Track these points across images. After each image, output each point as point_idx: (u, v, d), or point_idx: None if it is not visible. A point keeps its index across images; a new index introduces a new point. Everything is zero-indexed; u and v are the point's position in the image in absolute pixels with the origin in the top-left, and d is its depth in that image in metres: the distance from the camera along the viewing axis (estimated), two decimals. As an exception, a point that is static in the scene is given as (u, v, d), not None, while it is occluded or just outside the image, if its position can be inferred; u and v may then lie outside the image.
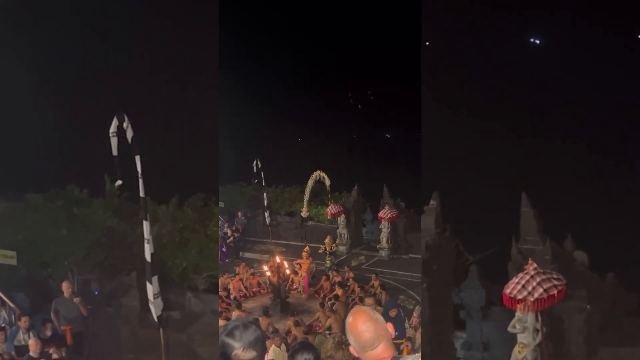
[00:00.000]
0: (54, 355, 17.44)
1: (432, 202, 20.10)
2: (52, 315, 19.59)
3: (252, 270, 30.14)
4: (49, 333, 18.55)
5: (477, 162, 32.35)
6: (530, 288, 15.82)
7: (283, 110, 57.85)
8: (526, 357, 16.11)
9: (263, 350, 4.96)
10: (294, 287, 29.07)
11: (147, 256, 17.78)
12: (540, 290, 15.72)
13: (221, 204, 38.92)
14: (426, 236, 19.53)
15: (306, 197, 38.71)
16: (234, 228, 38.20)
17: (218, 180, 30.52)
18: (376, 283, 26.66)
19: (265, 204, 38.28)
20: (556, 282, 15.95)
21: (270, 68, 60.09)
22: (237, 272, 30.36)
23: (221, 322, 21.63)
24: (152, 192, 20.82)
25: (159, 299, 18.70)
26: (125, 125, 17.67)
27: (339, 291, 26.18)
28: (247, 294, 28.49)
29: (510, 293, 16.04)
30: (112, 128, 17.42)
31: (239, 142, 45.96)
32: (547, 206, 20.48)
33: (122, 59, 37.32)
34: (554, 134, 30.83)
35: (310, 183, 38.43)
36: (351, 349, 5.65)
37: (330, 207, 35.94)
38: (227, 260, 34.87)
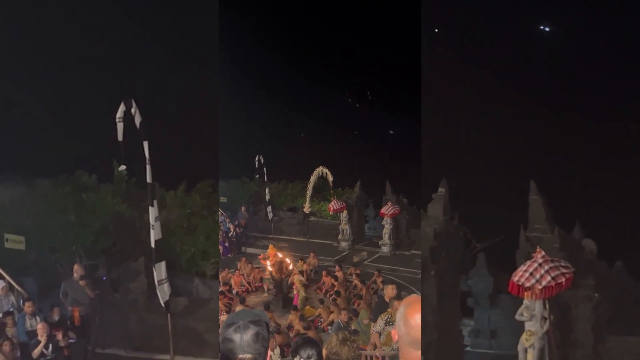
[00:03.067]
0: (61, 343, 17.45)
1: (440, 189, 20.04)
2: (61, 297, 19.62)
3: (255, 266, 30.09)
4: (56, 317, 18.57)
5: (486, 150, 32.27)
6: (538, 276, 15.79)
7: (286, 106, 57.85)
8: (533, 345, 16.10)
9: (265, 348, 4.90)
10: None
11: (153, 242, 17.81)
12: (548, 278, 15.69)
13: (224, 200, 39.07)
14: (434, 224, 19.46)
15: (308, 193, 38.79)
16: (236, 223, 38.27)
17: (218, 166, 30.44)
18: (379, 279, 26.64)
19: (268, 199, 38.36)
20: (564, 270, 15.92)
21: (273, 64, 60.14)
22: (238, 267, 30.37)
23: (224, 318, 21.67)
24: (160, 178, 20.85)
25: (166, 285, 18.74)
26: (133, 110, 17.65)
27: (336, 285, 26.17)
28: (249, 289, 28.44)
29: (518, 281, 16.02)
30: (119, 114, 17.41)
31: (241, 138, 46.08)
32: (555, 194, 20.42)
33: (130, 45, 37.31)
34: (562, 122, 30.73)
35: (312, 179, 38.51)
36: (393, 333, 5.60)
37: (332, 203, 36.13)
38: (229, 256, 34.95)
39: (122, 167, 27.91)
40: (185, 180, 28.75)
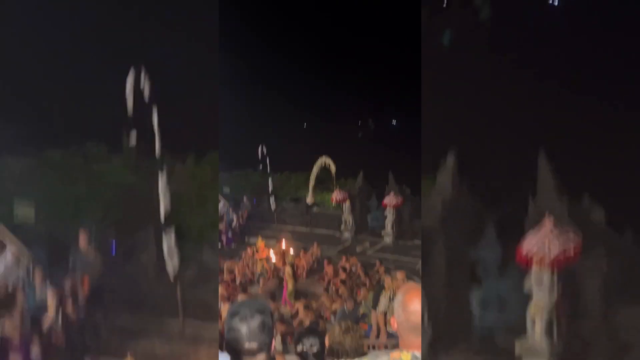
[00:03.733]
0: (70, 312, 17.53)
1: (449, 158, 20.02)
2: (71, 268, 19.67)
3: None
4: (66, 287, 18.63)
5: (494, 119, 32.14)
6: (547, 246, 15.78)
7: (288, 97, 57.71)
8: (542, 316, 16.10)
9: (270, 338, 4.92)
10: (299, 272, 29.13)
11: (162, 213, 17.86)
12: (557, 248, 15.68)
13: (227, 190, 39.20)
14: (443, 194, 19.46)
15: (311, 183, 38.80)
16: (239, 213, 38.39)
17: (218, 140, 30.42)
18: (381, 269, 26.66)
19: (271, 190, 38.44)
20: (573, 240, 15.91)
21: (274, 54, 59.97)
22: (242, 256, 30.43)
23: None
24: (170, 149, 20.86)
25: (176, 256, 18.79)
26: (142, 82, 17.65)
27: (342, 275, 26.20)
28: (253, 279, 28.49)
29: (526, 251, 16.01)
30: (129, 85, 17.40)
31: (244, 128, 46.11)
32: (564, 163, 20.36)
33: (139, 14, 37.20)
34: (571, 90, 30.55)
35: (315, 169, 38.50)
36: (393, 320, 5.60)
37: (335, 193, 36.19)
38: (232, 246, 35.05)
39: (132, 137, 27.95)
40: (195, 152, 28.77)
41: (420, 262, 21.92)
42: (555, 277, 16.13)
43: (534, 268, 16.05)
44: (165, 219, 18.52)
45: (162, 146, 18.23)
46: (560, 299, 16.25)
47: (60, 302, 17.31)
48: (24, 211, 21.91)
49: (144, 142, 23.94)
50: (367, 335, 17.55)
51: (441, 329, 18.49)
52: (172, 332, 20.06)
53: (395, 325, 5.51)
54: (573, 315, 16.98)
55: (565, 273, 16.53)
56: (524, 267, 16.59)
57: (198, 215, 25.33)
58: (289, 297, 25.27)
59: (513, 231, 20.10)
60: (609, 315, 17.45)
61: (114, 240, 24.46)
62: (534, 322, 16.26)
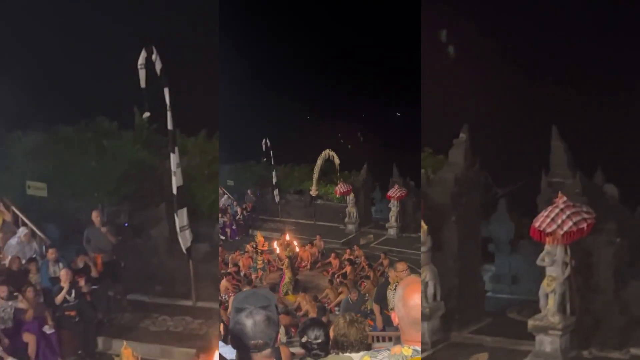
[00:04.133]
0: (83, 289, 17.58)
1: (461, 135, 19.94)
2: (85, 245, 19.69)
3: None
4: (80, 264, 18.67)
5: (507, 95, 32.03)
6: (559, 221, 15.76)
7: (292, 89, 57.51)
8: (555, 290, 16.09)
9: (276, 332, 4.94)
10: (303, 264, 29.15)
11: (174, 188, 17.87)
12: (570, 223, 15.66)
13: (231, 183, 39.24)
14: (455, 170, 19.40)
15: (315, 175, 38.78)
16: (243, 206, 38.47)
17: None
18: (385, 262, 26.66)
19: (274, 182, 38.46)
20: (586, 216, 15.89)
21: (278, 46, 59.73)
22: (246, 249, 30.45)
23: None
24: (181, 125, 20.86)
25: (188, 231, 18.83)
26: (153, 57, 17.63)
27: (347, 268, 26.19)
28: (266, 269, 28.49)
29: (539, 226, 16.00)
30: (141, 60, 17.39)
31: (247, 121, 46.05)
32: (577, 139, 20.28)
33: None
34: (583, 66, 30.42)
35: (319, 162, 38.49)
36: (393, 316, 5.58)
37: (339, 185, 36.33)
38: (237, 238, 35.12)
39: (146, 114, 27.92)
40: (206, 127, 28.77)
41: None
42: (568, 252, 16.12)
43: (547, 243, 16.03)
44: (177, 194, 18.53)
45: (173, 122, 18.21)
46: (572, 273, 16.24)
47: (73, 279, 17.35)
48: (37, 186, 21.93)
49: (155, 118, 23.97)
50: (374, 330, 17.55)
51: (453, 304, 18.51)
52: (184, 306, 20.13)
53: (397, 320, 5.49)
54: (585, 289, 16.97)
55: (578, 248, 16.52)
56: (537, 243, 16.57)
57: (209, 190, 25.37)
58: (285, 287, 25.25)
59: (525, 207, 20.10)
60: (621, 290, 17.43)
61: (126, 216, 24.52)
62: (546, 297, 16.24)
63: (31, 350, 16.00)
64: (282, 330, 18.41)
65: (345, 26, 59.99)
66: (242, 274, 27.29)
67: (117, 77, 28.09)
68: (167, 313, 19.72)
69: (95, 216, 19.77)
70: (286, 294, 25.03)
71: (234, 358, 5.04)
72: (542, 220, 15.97)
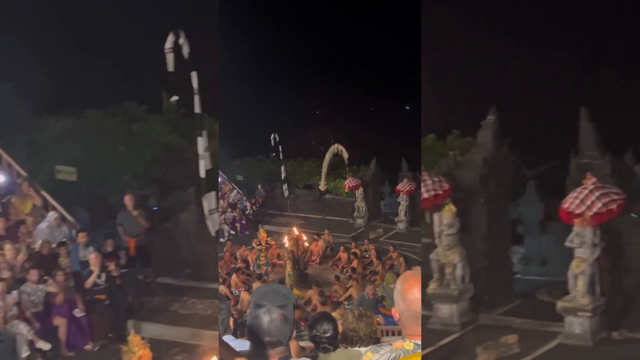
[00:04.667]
0: (113, 273, 17.65)
1: (489, 116, 19.84)
2: (119, 229, 19.77)
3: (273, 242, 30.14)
4: (110, 248, 18.75)
5: (536, 76, 31.86)
6: (588, 202, 15.70)
7: (300, 84, 57.38)
8: (584, 272, 16.02)
9: (291, 330, 4.99)
10: (312, 258, 29.15)
11: (202, 172, 17.90)
12: (599, 204, 15.60)
13: (240, 178, 39.28)
14: (483, 151, 19.31)
15: (324, 170, 38.75)
16: (253, 201, 38.58)
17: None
18: (394, 255, 26.60)
19: (283, 177, 38.46)
20: (615, 197, 15.82)
21: (286, 41, 59.60)
22: (253, 245, 30.45)
23: (245, 296, 21.73)
24: (209, 108, 20.87)
25: (216, 215, 18.85)
26: (181, 41, 17.64)
27: (354, 262, 26.13)
28: (269, 264, 28.45)
29: (568, 207, 15.93)
30: (168, 44, 17.40)
31: (256, 116, 46.05)
32: (606, 120, 20.16)
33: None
34: (612, 46, 30.24)
35: (328, 156, 38.45)
36: (394, 311, 5.57)
37: (348, 180, 36.25)
38: (246, 233, 35.18)
39: (175, 98, 28.00)
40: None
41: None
42: (598, 234, 16.04)
43: (576, 224, 15.96)
44: (205, 177, 18.55)
45: (201, 105, 18.22)
46: (602, 255, 16.17)
47: (103, 263, 17.44)
48: (66, 170, 22.03)
49: (183, 101, 24.01)
50: (389, 324, 17.51)
51: (482, 286, 18.47)
52: (213, 289, 20.21)
53: (397, 316, 5.49)
54: (615, 270, 16.88)
55: (607, 229, 16.44)
56: (566, 224, 16.50)
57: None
58: (287, 281, 25.17)
59: (554, 188, 20.01)
60: (651, 271, 17.34)
61: (155, 200, 24.60)
62: (576, 278, 16.18)
63: (62, 333, 16.14)
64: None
65: (353, 20, 59.88)
66: (251, 268, 27.33)
67: (146, 61, 28.18)
68: (197, 296, 19.80)
69: (127, 200, 19.84)
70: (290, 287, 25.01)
71: (247, 349, 5.09)
72: (571, 202, 15.90)
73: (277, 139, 40.48)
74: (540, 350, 15.97)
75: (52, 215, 19.43)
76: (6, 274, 16.19)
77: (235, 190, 40.72)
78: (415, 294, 5.30)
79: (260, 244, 29.23)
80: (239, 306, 20.93)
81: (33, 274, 16.22)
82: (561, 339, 16.21)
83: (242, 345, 5.17)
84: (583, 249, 16.08)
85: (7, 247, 17.16)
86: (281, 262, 28.04)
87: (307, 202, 40.27)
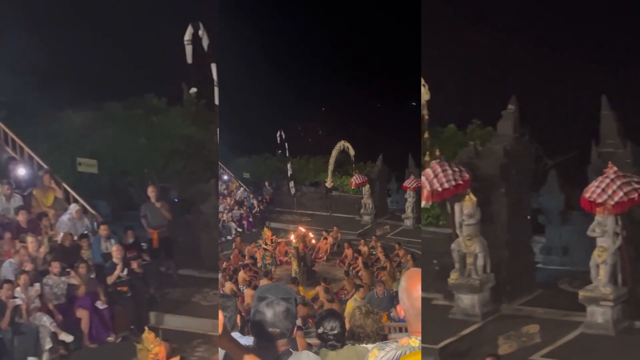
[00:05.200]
0: (135, 265, 17.69)
1: (509, 106, 19.77)
2: (142, 220, 19.82)
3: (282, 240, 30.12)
4: (130, 240, 18.82)
5: (556, 65, 31.74)
6: (610, 191, 15.65)
7: (306, 81, 57.17)
8: (606, 261, 15.97)
9: (293, 324, 5.05)
10: (320, 255, 29.12)
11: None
12: (621, 193, 15.54)
13: (247, 175, 39.32)
14: (503, 141, 19.25)
15: (330, 167, 38.69)
16: (259, 199, 38.65)
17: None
18: (401, 253, 26.54)
19: (290, 174, 38.45)
20: (636, 186, 15.75)
21: (293, 37, 59.38)
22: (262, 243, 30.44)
23: (249, 292, 21.72)
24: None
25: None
26: (200, 33, 17.71)
27: (359, 260, 26.08)
28: (276, 262, 28.43)
29: (589, 197, 15.89)
30: (187, 36, 17.48)
31: (262, 113, 46.00)
32: (627, 108, 20.07)
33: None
34: (633, 35, 30.07)
35: (334, 153, 38.38)
36: (399, 308, 5.58)
37: (354, 177, 36.19)
38: (254, 230, 35.18)
39: (193, 90, 28.02)
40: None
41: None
42: (619, 223, 15.99)
43: (598, 214, 15.92)
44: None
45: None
46: (624, 244, 16.12)
47: (125, 255, 17.49)
48: (87, 163, 22.12)
49: (203, 93, 24.06)
50: (401, 320, 17.47)
51: (504, 276, 18.44)
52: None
53: (402, 313, 5.48)
54: (637, 260, 16.83)
55: (629, 218, 16.39)
56: (588, 213, 16.47)
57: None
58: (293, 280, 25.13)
59: (576, 178, 19.95)
60: (673, 261, 17.26)
61: (175, 192, 24.67)
62: (597, 267, 16.13)
63: (84, 325, 16.19)
64: (298, 321, 18.43)
65: (360, 16, 59.57)
66: (259, 265, 27.35)
67: (166, 54, 28.24)
68: (217, 287, 19.83)
69: (150, 191, 19.89)
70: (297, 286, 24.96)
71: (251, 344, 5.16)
72: (592, 191, 15.85)
73: (283, 136, 40.48)
74: (562, 340, 15.94)
75: (73, 207, 19.48)
76: (29, 267, 16.25)
77: (242, 188, 40.80)
78: (419, 290, 5.32)
79: (266, 243, 29.27)
80: (245, 304, 20.88)
81: (55, 267, 16.28)
82: (583, 328, 16.18)
83: (249, 342, 5.23)
84: (605, 238, 16.04)
85: (30, 239, 17.22)
86: (287, 259, 28.11)
87: (313, 199, 40.23)
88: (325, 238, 30.04)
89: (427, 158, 19.26)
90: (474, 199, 17.95)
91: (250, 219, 36.11)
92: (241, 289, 22.94)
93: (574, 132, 24.53)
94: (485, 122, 29.65)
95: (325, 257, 29.14)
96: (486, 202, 18.49)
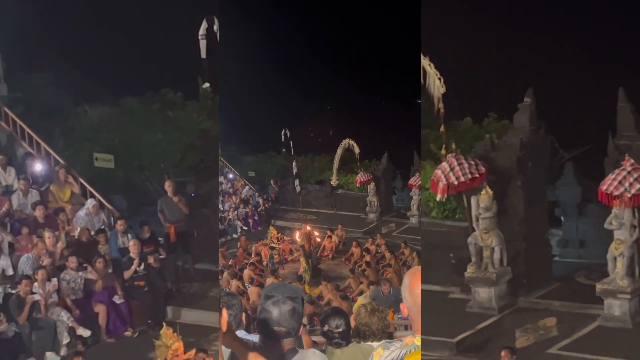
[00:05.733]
0: (152, 260, 17.71)
1: (526, 99, 19.73)
2: (159, 215, 19.87)
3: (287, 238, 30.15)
4: (147, 235, 18.85)
5: (572, 57, 31.64)
6: (627, 184, 15.61)
7: (310, 79, 57.02)
8: (623, 254, 15.95)
9: (299, 323, 5.07)
10: (325, 253, 29.12)
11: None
12: (638, 185, 15.51)
13: (252, 174, 39.37)
14: (520, 134, 19.20)
15: (335, 165, 38.69)
16: (265, 197, 38.74)
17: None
18: (407, 251, 26.50)
19: (295, 173, 38.48)
20: (654, 178, 15.71)
21: (297, 35, 59.18)
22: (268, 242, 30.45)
23: (253, 290, 21.69)
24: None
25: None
26: (215, 27, 17.72)
27: (367, 257, 26.05)
28: (282, 260, 28.42)
29: (606, 189, 15.85)
30: (202, 30, 17.50)
31: (267, 112, 45.97)
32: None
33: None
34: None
35: (339, 151, 38.38)
36: (402, 306, 5.56)
37: (359, 175, 36.21)
38: (259, 228, 35.22)
39: (206, 85, 28.04)
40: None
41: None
42: (637, 215, 15.95)
43: (615, 206, 15.88)
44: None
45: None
46: (641, 237, 16.10)
47: (141, 250, 17.53)
48: (104, 158, 22.18)
49: (215, 88, 24.03)
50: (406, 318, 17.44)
51: (520, 269, 18.41)
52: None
53: (406, 311, 5.47)
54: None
55: (646, 211, 16.35)
56: (605, 206, 16.43)
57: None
58: (301, 277, 25.08)
59: (592, 170, 19.89)
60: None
61: (192, 187, 24.71)
62: (615, 260, 16.10)
63: (101, 320, 16.26)
64: (304, 319, 18.42)
65: (365, 13, 59.35)
66: (264, 263, 27.36)
67: (182, 48, 28.26)
68: (217, 280, 19.86)
69: (168, 186, 19.93)
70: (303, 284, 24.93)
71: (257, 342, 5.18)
72: (609, 183, 15.82)
73: (288, 134, 40.50)
74: (580, 333, 15.93)
75: (90, 202, 19.54)
76: (46, 261, 16.32)
77: (247, 187, 40.91)
78: (420, 288, 5.31)
79: (272, 242, 29.30)
80: (251, 301, 20.86)
81: (72, 262, 16.35)
82: (600, 321, 16.16)
83: (255, 340, 5.26)
84: (622, 230, 16.01)
85: (47, 234, 17.28)
86: (293, 257, 28.13)
87: (318, 197, 40.27)
88: (330, 237, 30.01)
89: (443, 152, 19.15)
90: (490, 192, 17.93)
91: (256, 217, 36.24)
92: (247, 286, 22.97)
93: (591, 124, 24.41)
94: (502, 115, 29.57)
95: (330, 255, 29.14)
96: (503, 195, 18.47)
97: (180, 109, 28.35)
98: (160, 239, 19.52)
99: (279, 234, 30.25)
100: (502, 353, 13.10)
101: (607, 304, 16.12)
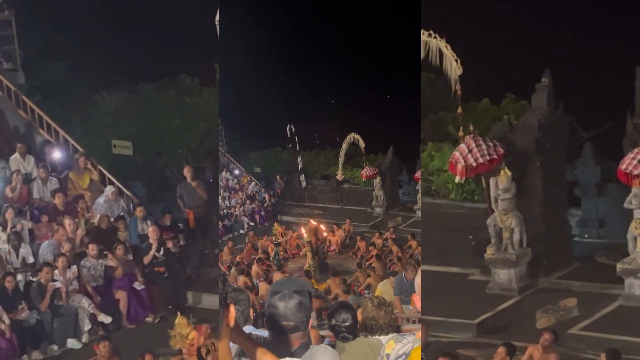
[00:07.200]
0: (171, 246, 17.73)
1: (543, 79, 19.63)
2: (178, 200, 19.90)
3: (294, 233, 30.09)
4: (168, 223, 18.87)
5: (590, 37, 31.51)
6: (647, 163, 15.54)
7: (315, 73, 56.84)
8: (643, 233, 15.89)
9: (307, 317, 5.05)
10: (331, 248, 29.09)
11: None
12: (658, 165, 15.43)
13: (258, 170, 39.33)
14: (538, 114, 19.12)
15: (341, 160, 38.58)
16: (271, 192, 38.73)
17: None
18: (414, 244, 26.40)
19: (300, 168, 38.39)
20: (674, 157, 15.63)
21: (301, 30, 58.98)
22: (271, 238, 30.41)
23: (263, 285, 21.63)
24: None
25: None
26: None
27: (374, 251, 25.96)
28: (287, 256, 28.43)
29: (625, 169, 15.78)
30: (218, 16, 17.45)
31: (271, 107, 45.88)
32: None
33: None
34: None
35: (344, 146, 38.25)
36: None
37: (365, 169, 35.93)
38: (266, 224, 35.19)
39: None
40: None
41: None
42: (657, 194, 15.89)
43: (634, 186, 15.81)
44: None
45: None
46: (661, 216, 16.03)
47: (161, 236, 17.57)
48: (122, 145, 22.20)
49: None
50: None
51: (540, 250, 18.37)
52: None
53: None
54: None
55: (667, 189, 16.27)
56: (624, 185, 16.36)
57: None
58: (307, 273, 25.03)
59: (611, 150, 19.81)
60: None
61: (210, 172, 24.71)
62: (635, 239, 16.05)
63: (122, 306, 16.32)
64: (313, 314, 18.37)
65: (368, 6, 59.13)
66: (271, 259, 27.36)
67: (198, 34, 28.26)
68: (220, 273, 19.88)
69: (187, 171, 19.93)
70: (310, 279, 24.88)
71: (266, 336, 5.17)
72: (628, 163, 15.75)
73: (293, 130, 40.44)
74: (600, 313, 15.88)
75: (109, 189, 19.56)
76: (66, 247, 16.40)
77: (253, 182, 40.94)
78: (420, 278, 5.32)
79: (277, 238, 29.30)
80: (259, 296, 20.82)
81: (92, 249, 16.40)
82: (621, 301, 16.11)
83: (264, 335, 5.26)
84: (642, 210, 15.95)
85: (67, 222, 17.36)
86: (299, 251, 28.14)
87: (324, 192, 40.18)
88: (333, 232, 29.95)
89: (460, 133, 19.11)
90: (509, 173, 17.86)
91: (262, 213, 36.25)
92: (255, 282, 22.96)
93: (609, 104, 24.33)
94: (519, 96, 29.50)
95: (337, 250, 29.12)
96: (521, 176, 18.41)
97: (198, 94, 28.37)
98: (180, 224, 19.55)
99: (284, 230, 30.26)
100: (499, 350, 12.18)
101: (628, 283, 16.07)
